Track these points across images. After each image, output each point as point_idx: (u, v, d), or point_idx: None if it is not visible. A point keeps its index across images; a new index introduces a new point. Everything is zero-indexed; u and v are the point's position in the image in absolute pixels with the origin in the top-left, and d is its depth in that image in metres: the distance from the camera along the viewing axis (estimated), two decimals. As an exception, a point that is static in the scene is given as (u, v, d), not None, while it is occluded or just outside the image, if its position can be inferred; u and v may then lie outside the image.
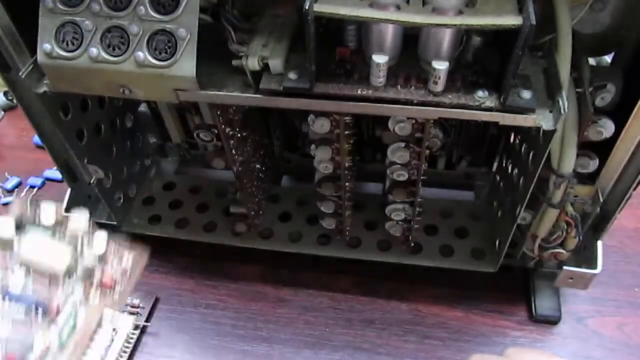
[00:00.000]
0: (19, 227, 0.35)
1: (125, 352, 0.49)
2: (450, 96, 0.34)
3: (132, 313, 0.53)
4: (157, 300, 0.54)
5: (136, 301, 0.53)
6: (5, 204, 0.64)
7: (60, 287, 0.33)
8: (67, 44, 0.36)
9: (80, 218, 0.35)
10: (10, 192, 0.65)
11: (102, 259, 0.36)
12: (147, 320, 0.52)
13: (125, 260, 0.37)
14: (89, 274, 0.35)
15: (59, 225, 0.35)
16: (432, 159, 0.56)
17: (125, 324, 0.47)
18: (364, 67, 0.36)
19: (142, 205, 0.57)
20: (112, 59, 0.35)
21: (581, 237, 0.44)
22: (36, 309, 0.32)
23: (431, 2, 0.31)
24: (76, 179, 0.52)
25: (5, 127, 0.74)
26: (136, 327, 0.51)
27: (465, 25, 0.30)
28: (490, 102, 0.34)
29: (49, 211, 0.35)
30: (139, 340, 0.51)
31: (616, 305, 0.53)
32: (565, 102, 0.33)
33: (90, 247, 0.36)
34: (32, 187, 0.66)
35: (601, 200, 0.42)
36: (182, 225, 0.55)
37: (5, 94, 0.74)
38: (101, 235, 0.34)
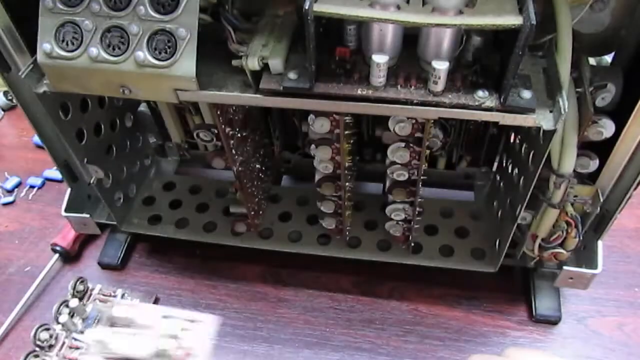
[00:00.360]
0: (112, 325, 0.47)
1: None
2: (450, 96, 0.34)
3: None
4: (156, 300, 0.54)
5: (136, 301, 0.54)
6: (6, 204, 0.64)
7: None
8: (67, 44, 0.36)
9: (154, 313, 0.46)
10: (10, 192, 0.65)
11: (175, 337, 0.45)
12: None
13: (197, 332, 0.46)
14: (166, 354, 0.45)
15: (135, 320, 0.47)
16: (432, 159, 0.56)
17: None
18: (364, 67, 0.36)
19: (142, 205, 0.57)
20: (112, 58, 0.35)
21: (581, 237, 0.44)
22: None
23: (431, 2, 0.31)
24: (76, 179, 0.52)
25: (5, 127, 0.74)
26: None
27: (465, 25, 0.30)
28: (490, 102, 0.34)
29: (119, 310, 0.47)
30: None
31: (616, 305, 0.53)
32: (566, 102, 0.33)
33: (164, 333, 0.45)
34: (32, 187, 0.66)
35: (601, 200, 0.42)
36: (182, 225, 0.55)
37: (5, 94, 0.74)
38: (173, 324, 0.45)
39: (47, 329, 0.50)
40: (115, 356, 0.45)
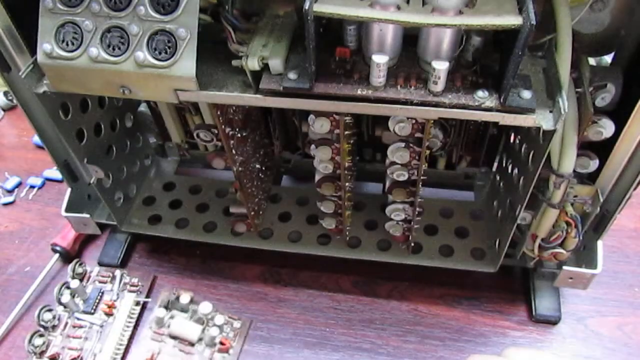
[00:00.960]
0: (167, 308, 0.51)
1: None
2: (450, 96, 0.34)
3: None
4: (154, 280, 0.55)
5: (134, 280, 0.55)
6: (6, 204, 0.64)
7: (195, 350, 0.50)
8: (67, 44, 0.36)
9: (206, 305, 0.50)
10: (10, 192, 0.65)
11: (220, 328, 0.50)
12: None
13: (235, 327, 0.52)
14: (212, 340, 0.50)
15: (192, 305, 0.52)
16: (432, 159, 0.56)
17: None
18: (364, 67, 0.36)
19: (142, 205, 0.57)
20: (112, 59, 0.35)
21: (581, 237, 0.44)
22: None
23: (431, 2, 0.31)
24: (76, 179, 0.52)
25: (5, 127, 0.74)
26: (138, 304, 0.53)
27: (465, 25, 0.30)
28: (490, 102, 0.34)
29: (185, 297, 0.51)
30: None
31: (616, 305, 0.53)
32: (565, 102, 0.33)
33: (211, 322, 0.50)
34: (32, 187, 0.66)
35: (601, 200, 0.42)
36: (182, 225, 0.56)
37: (5, 94, 0.74)
38: (220, 316, 0.51)
39: (50, 310, 0.52)
40: (166, 332, 0.50)
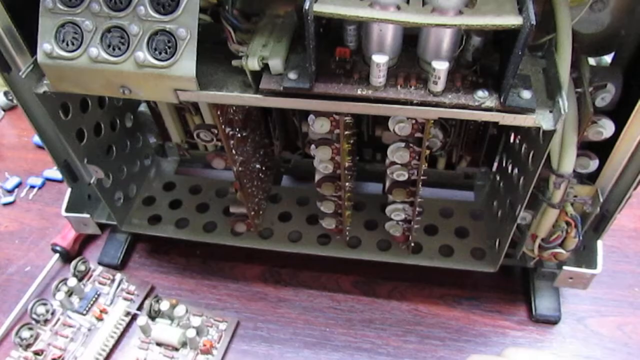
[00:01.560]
0: (151, 317, 0.52)
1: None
2: (450, 96, 0.34)
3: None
4: (152, 289, 0.55)
5: (132, 287, 0.55)
6: (6, 204, 0.64)
7: (180, 354, 0.50)
8: (67, 44, 0.36)
9: (181, 308, 0.51)
10: (10, 192, 0.65)
11: (200, 331, 0.50)
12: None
13: (219, 329, 0.52)
14: (195, 343, 0.50)
15: (171, 310, 0.51)
16: (432, 159, 0.56)
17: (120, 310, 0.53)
18: (364, 67, 0.36)
19: (142, 205, 0.57)
20: (112, 59, 0.35)
21: (581, 237, 0.44)
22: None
23: (431, 2, 0.31)
24: (76, 179, 0.52)
25: (5, 127, 0.74)
26: (128, 314, 0.53)
27: (465, 25, 0.30)
28: (490, 102, 0.34)
29: (165, 304, 0.51)
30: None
31: (616, 305, 0.53)
32: (565, 102, 0.33)
33: (191, 326, 0.50)
34: (32, 187, 0.66)
35: (601, 200, 0.42)
36: (182, 225, 0.56)
37: (5, 94, 0.74)
38: (197, 318, 0.51)
39: (44, 304, 0.52)
40: (152, 340, 0.51)
